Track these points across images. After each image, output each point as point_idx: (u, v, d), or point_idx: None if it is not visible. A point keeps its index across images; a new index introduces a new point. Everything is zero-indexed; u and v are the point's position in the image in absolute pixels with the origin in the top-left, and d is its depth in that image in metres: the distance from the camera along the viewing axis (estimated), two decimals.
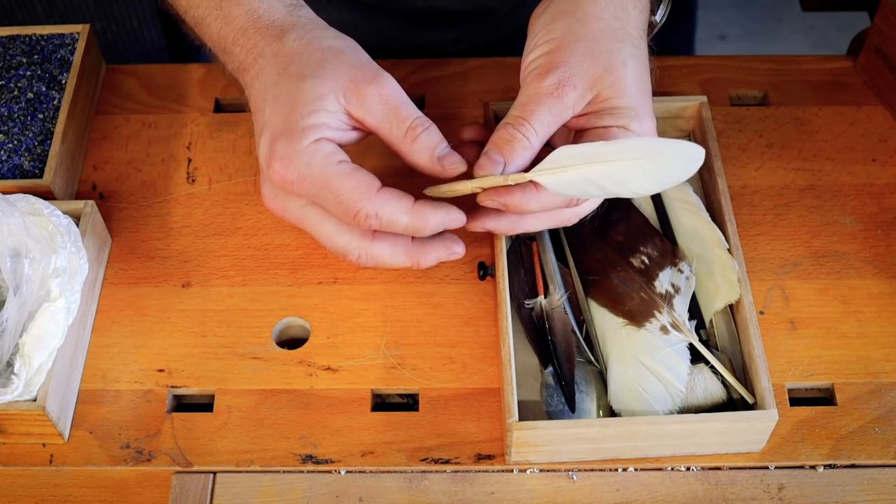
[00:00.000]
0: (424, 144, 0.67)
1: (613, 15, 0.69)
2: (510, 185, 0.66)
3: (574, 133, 0.69)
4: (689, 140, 0.85)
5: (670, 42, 1.11)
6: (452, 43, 1.00)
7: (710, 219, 0.78)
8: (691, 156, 0.63)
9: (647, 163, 0.64)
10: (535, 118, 0.66)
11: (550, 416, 0.71)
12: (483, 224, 0.70)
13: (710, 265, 0.76)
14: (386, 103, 0.66)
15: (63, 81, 0.87)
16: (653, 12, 0.74)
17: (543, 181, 0.65)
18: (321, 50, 0.67)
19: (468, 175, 0.68)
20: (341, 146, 0.66)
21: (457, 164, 0.67)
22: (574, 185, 0.65)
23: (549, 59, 0.67)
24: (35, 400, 0.70)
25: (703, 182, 0.83)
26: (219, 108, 0.91)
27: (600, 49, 0.67)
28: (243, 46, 0.69)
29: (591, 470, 0.71)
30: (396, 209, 0.65)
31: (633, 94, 0.67)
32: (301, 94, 0.65)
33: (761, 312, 0.77)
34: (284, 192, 0.67)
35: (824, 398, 0.75)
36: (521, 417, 0.68)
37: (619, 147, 0.64)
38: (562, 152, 0.65)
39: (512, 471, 0.71)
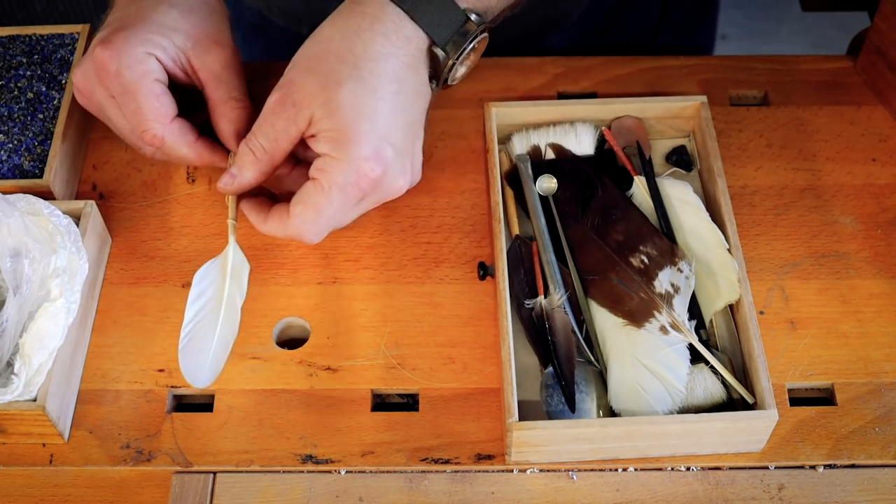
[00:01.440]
0: (238, 118, 0.77)
1: (342, 35, 0.72)
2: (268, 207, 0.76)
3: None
4: (689, 140, 0.85)
5: (693, 41, 1.11)
6: None
7: (710, 219, 0.78)
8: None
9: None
10: (259, 133, 0.72)
11: (550, 416, 0.71)
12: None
13: (710, 265, 0.76)
14: (224, 66, 0.77)
15: (63, 81, 0.87)
16: (437, 44, 0.73)
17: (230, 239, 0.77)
18: (199, 1, 0.78)
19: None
20: (166, 71, 0.76)
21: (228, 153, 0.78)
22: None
23: (283, 77, 0.72)
24: (35, 400, 0.70)
25: (703, 182, 0.83)
26: None
27: (321, 68, 0.71)
28: None
29: (591, 470, 0.71)
30: (180, 141, 0.76)
31: (345, 116, 0.70)
32: (162, 16, 0.75)
33: (761, 312, 0.77)
34: (97, 77, 0.74)
35: (824, 398, 0.75)
36: (521, 417, 0.68)
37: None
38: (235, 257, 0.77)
39: (512, 471, 0.71)
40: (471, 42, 0.74)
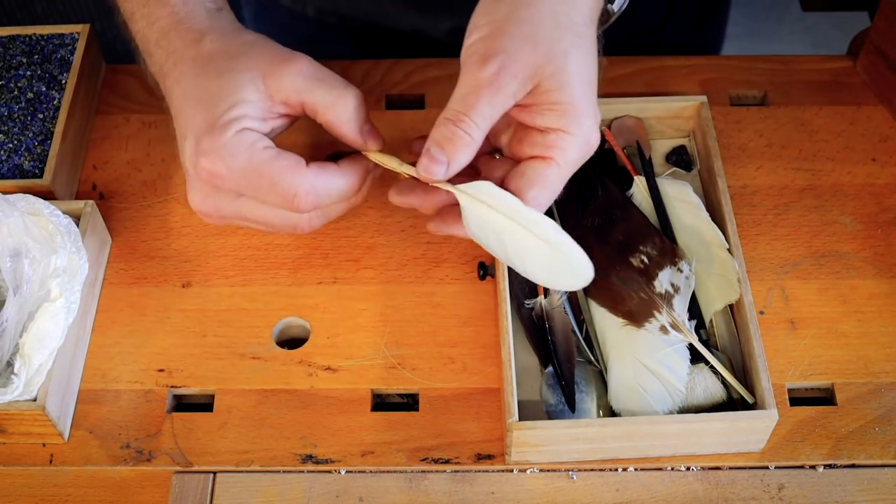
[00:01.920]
0: (352, 114, 0.67)
1: (557, 0, 0.66)
2: (427, 188, 0.66)
3: (515, 126, 0.68)
4: (689, 140, 0.85)
5: (699, 42, 1.11)
6: (449, 34, 1.00)
7: (710, 219, 0.78)
8: (581, 274, 0.64)
9: (548, 253, 0.64)
10: (475, 112, 0.63)
11: (550, 416, 0.71)
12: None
13: (710, 265, 0.76)
14: (306, 77, 0.67)
15: (63, 81, 0.87)
16: (610, 0, 0.71)
17: (462, 202, 0.65)
18: (236, 46, 0.68)
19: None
20: (267, 135, 0.67)
21: (377, 141, 0.68)
22: (482, 228, 0.65)
23: (488, 44, 0.64)
24: (35, 400, 0.70)
25: (703, 182, 0.83)
26: None
27: (541, 35, 0.64)
28: (165, 49, 0.70)
29: (591, 470, 0.71)
30: (327, 177, 0.66)
31: (574, 87, 0.64)
32: (220, 90, 0.66)
33: (761, 312, 0.77)
34: (214, 190, 0.67)
35: (824, 398, 0.75)
36: (521, 417, 0.68)
37: (535, 218, 0.63)
38: (488, 189, 0.64)
39: (512, 471, 0.71)
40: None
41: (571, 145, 0.64)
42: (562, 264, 0.64)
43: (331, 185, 0.66)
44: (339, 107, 0.67)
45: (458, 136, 0.63)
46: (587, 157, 0.66)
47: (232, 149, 0.65)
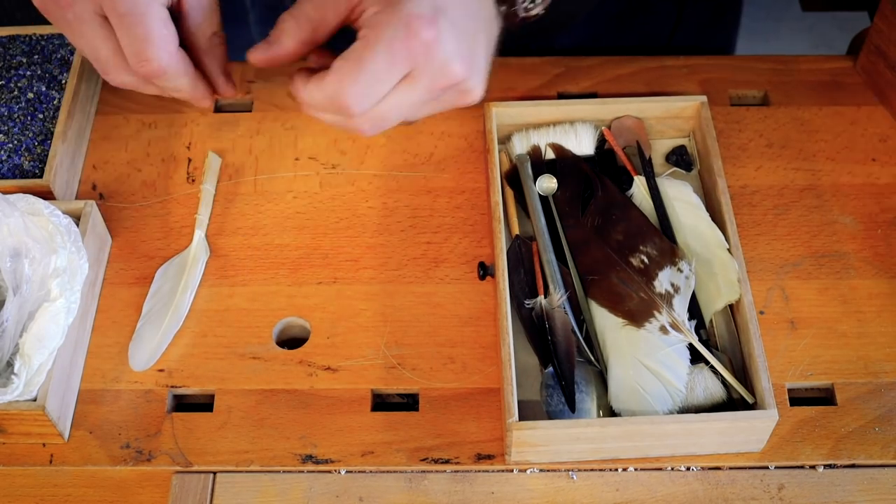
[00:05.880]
0: (223, 55, 0.71)
1: None
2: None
3: None
4: (689, 140, 0.85)
5: (711, 43, 1.11)
6: None
7: (710, 219, 0.78)
8: None
9: None
10: (296, 7, 0.66)
11: (550, 416, 0.70)
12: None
13: (711, 265, 0.76)
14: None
15: (63, 81, 0.87)
16: None
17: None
18: None
19: None
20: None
21: (231, 90, 0.73)
22: None
23: None
24: (35, 400, 0.70)
25: (703, 182, 0.83)
26: (218, 108, 0.91)
27: None
28: None
29: (591, 470, 0.71)
30: (181, 70, 0.68)
31: None
32: None
33: (761, 312, 0.77)
34: None
35: (824, 398, 0.75)
36: (521, 417, 0.68)
37: None
38: None
39: (512, 471, 0.71)
40: None
41: (385, 22, 0.63)
42: None
43: (179, 76, 0.69)
44: (209, 43, 0.70)
45: (283, 20, 0.67)
46: (411, 46, 0.63)
47: None
